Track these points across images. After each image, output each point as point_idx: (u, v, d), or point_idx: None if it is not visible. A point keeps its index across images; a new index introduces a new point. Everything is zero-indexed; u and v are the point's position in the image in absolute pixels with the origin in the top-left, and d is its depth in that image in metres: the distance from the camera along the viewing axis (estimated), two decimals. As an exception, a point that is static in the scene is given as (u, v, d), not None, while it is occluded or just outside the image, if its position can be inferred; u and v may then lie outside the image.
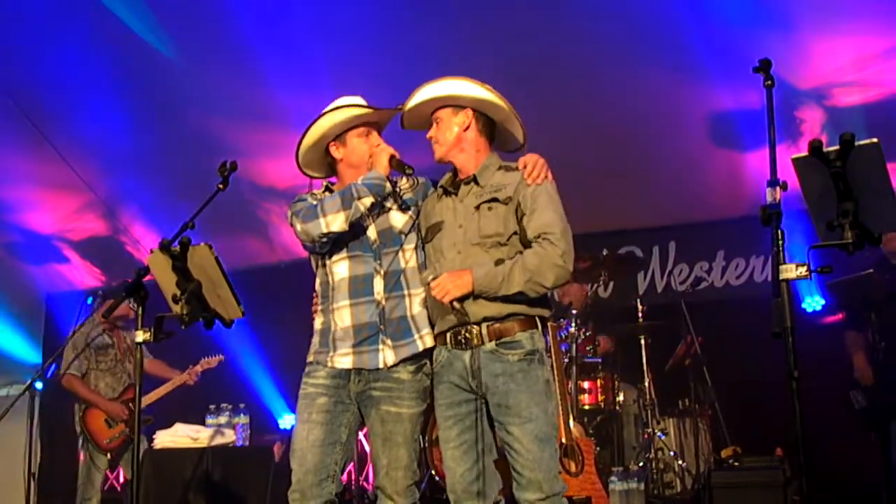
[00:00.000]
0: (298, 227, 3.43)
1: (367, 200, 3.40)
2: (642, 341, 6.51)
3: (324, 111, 3.60)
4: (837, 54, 6.69)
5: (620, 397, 6.41)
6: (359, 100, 3.62)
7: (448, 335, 3.36)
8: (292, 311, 6.52)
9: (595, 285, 6.85)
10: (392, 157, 3.49)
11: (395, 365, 3.42)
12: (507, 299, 3.25)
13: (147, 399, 6.33)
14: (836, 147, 2.43)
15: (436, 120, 3.50)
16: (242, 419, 5.48)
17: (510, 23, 6.56)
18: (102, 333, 6.24)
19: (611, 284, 7.78)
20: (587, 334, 6.26)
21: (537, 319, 3.34)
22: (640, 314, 6.61)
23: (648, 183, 7.62)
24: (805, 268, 2.38)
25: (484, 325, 3.28)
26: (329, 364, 3.45)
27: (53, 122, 7.73)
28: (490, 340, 3.28)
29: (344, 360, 3.44)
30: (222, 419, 5.43)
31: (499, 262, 3.28)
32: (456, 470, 3.33)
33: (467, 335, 3.30)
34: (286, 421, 8.22)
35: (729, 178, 7.80)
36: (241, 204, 8.17)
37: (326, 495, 3.38)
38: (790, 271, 2.37)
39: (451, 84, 3.46)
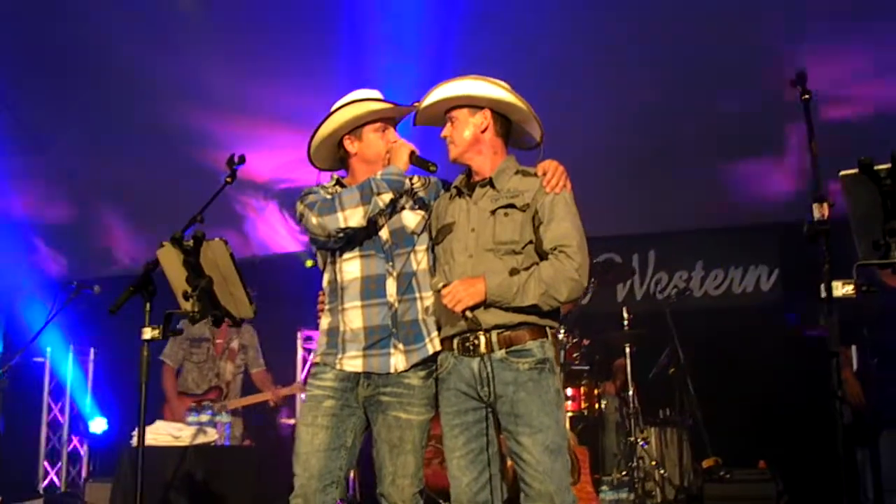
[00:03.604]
0: (314, 220, 3.30)
1: (387, 196, 3.31)
2: (627, 349, 6.47)
3: (340, 104, 3.50)
4: (827, 68, 6.73)
5: (602, 404, 6.39)
6: (375, 93, 3.53)
7: (455, 341, 3.27)
8: (266, 306, 6.38)
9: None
10: (412, 153, 3.39)
11: (406, 370, 3.33)
12: (518, 309, 3.18)
13: (231, 405, 6.27)
14: (888, 165, 2.39)
15: (451, 119, 3.40)
16: (224, 418, 5.36)
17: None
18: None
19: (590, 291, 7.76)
20: (574, 341, 6.23)
21: (547, 328, 3.27)
22: (625, 322, 6.57)
23: (629, 190, 7.62)
24: (851, 286, 2.33)
25: (494, 333, 3.20)
26: (338, 366, 3.34)
27: (26, 108, 7.50)
28: (500, 348, 3.20)
29: (353, 362, 3.34)
30: (204, 417, 5.29)
31: (513, 271, 3.21)
32: (462, 479, 3.25)
33: (475, 342, 3.21)
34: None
35: (711, 188, 7.84)
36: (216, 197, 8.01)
37: (330, 502, 3.30)
38: (836, 289, 2.32)
39: (468, 84, 3.36)
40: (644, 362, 6.89)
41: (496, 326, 3.20)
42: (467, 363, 3.24)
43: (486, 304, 3.17)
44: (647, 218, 8.00)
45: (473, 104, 3.37)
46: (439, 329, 3.38)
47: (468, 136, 3.37)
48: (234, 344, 6.44)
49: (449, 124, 3.41)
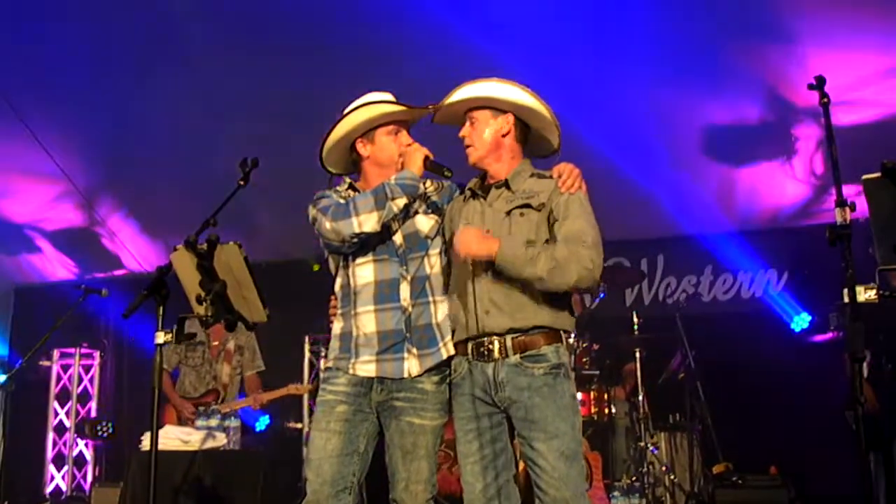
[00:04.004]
0: (328, 225, 3.28)
1: (401, 201, 3.28)
2: (637, 354, 6.42)
3: (352, 106, 3.47)
4: (836, 73, 6.67)
5: (612, 409, 6.35)
6: (388, 96, 3.51)
7: (469, 346, 3.25)
8: (273, 311, 6.31)
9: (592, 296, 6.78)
10: (427, 157, 3.36)
11: (420, 375, 3.30)
12: (532, 310, 3.15)
13: (224, 407, 6.19)
14: (912, 169, 2.35)
15: (471, 119, 3.35)
16: (233, 422, 5.32)
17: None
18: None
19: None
20: (584, 346, 6.19)
21: (561, 333, 3.24)
22: (635, 326, 6.53)
23: (638, 194, 7.57)
24: (874, 291, 2.30)
25: (508, 338, 3.17)
26: (351, 371, 3.32)
27: (33, 108, 7.47)
28: (514, 353, 3.17)
29: (367, 367, 3.31)
30: (213, 422, 5.27)
31: (529, 244, 3.17)
32: (475, 485, 3.21)
33: (490, 346, 3.19)
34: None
35: (719, 193, 7.81)
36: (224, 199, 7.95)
37: (343, 508, 3.25)
38: (860, 294, 2.29)
39: (494, 86, 3.31)
40: (653, 367, 6.86)
41: (511, 330, 3.17)
42: (482, 368, 3.21)
43: (494, 268, 3.14)
44: (655, 222, 7.96)
45: (497, 107, 3.33)
46: (453, 333, 3.35)
47: (488, 138, 3.33)
48: (230, 345, 6.38)
49: (468, 124, 3.36)
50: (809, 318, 7.38)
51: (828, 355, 6.36)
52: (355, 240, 3.28)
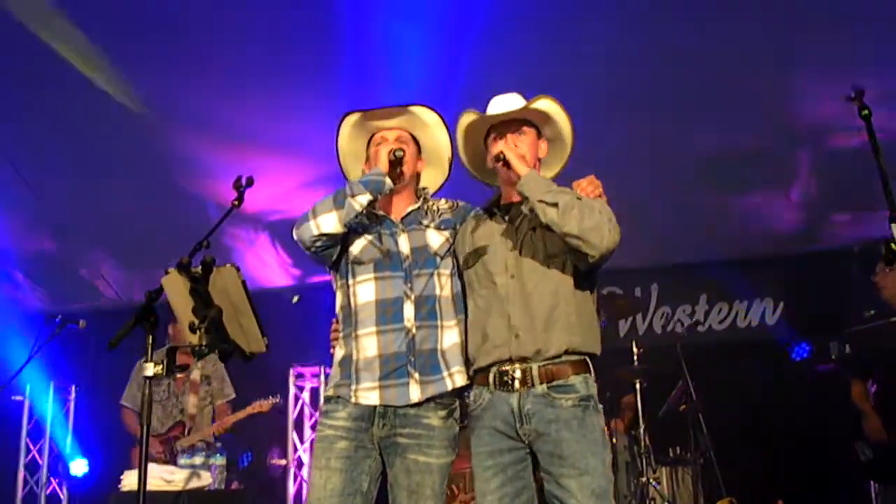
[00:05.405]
0: (294, 233, 3.18)
1: (363, 198, 3.11)
2: (637, 385, 6.23)
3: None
4: (830, 97, 6.56)
5: (613, 443, 6.13)
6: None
7: (491, 375, 3.05)
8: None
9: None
10: (391, 151, 3.21)
11: (421, 405, 3.07)
12: (563, 331, 3.00)
13: (189, 440, 5.87)
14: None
15: (521, 132, 3.21)
16: (219, 460, 5.03)
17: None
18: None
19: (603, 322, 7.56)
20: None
21: (589, 363, 3.07)
22: (635, 357, 6.34)
23: (631, 223, 7.40)
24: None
25: (535, 366, 2.99)
26: (352, 399, 3.09)
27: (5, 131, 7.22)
28: (541, 383, 2.98)
29: (369, 395, 3.08)
30: (197, 459, 4.97)
31: (551, 258, 3.07)
32: None
33: (514, 375, 3.00)
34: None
35: (714, 220, 7.67)
36: (205, 227, 7.70)
37: (346, 553, 3.01)
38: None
39: (555, 107, 3.22)
40: (651, 399, 6.66)
41: (539, 354, 2.99)
42: (505, 399, 3.02)
43: (519, 184, 3.05)
44: (648, 251, 7.80)
45: (540, 127, 3.25)
46: (467, 363, 3.15)
47: (532, 156, 3.22)
48: (195, 375, 6.05)
49: (513, 135, 3.21)
50: (808, 347, 7.24)
51: (829, 384, 6.19)
52: (318, 243, 3.14)
